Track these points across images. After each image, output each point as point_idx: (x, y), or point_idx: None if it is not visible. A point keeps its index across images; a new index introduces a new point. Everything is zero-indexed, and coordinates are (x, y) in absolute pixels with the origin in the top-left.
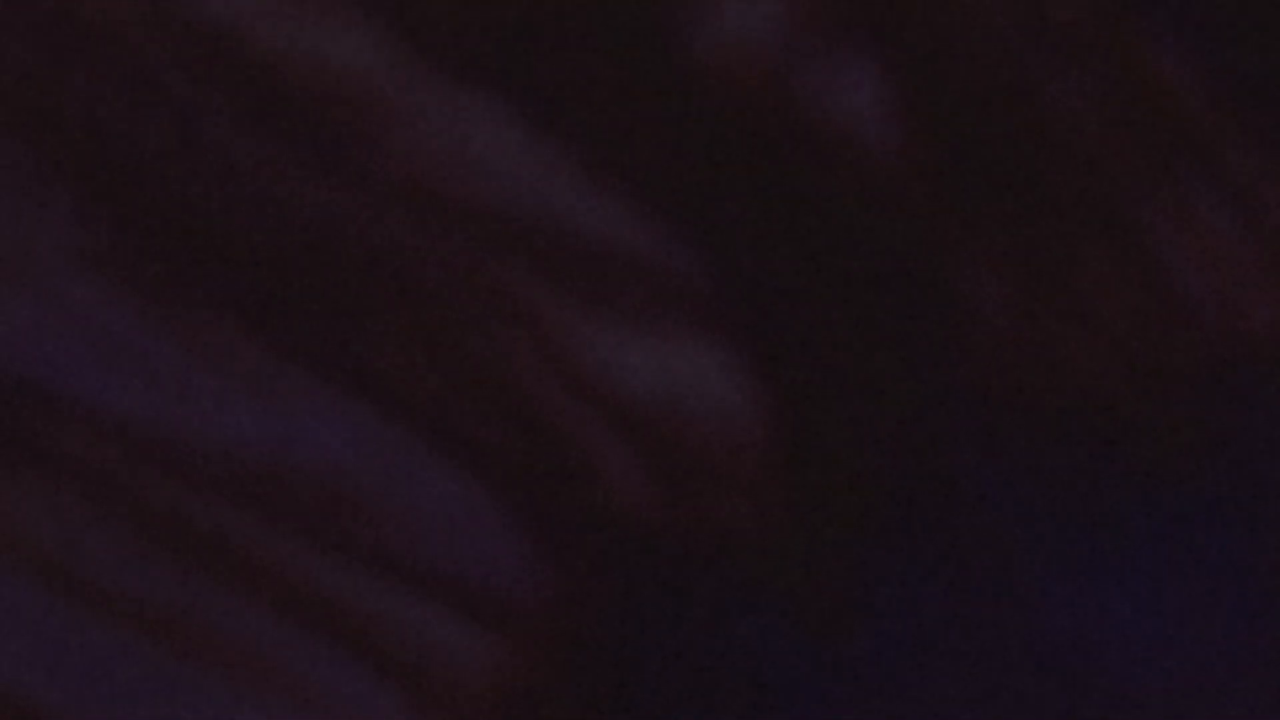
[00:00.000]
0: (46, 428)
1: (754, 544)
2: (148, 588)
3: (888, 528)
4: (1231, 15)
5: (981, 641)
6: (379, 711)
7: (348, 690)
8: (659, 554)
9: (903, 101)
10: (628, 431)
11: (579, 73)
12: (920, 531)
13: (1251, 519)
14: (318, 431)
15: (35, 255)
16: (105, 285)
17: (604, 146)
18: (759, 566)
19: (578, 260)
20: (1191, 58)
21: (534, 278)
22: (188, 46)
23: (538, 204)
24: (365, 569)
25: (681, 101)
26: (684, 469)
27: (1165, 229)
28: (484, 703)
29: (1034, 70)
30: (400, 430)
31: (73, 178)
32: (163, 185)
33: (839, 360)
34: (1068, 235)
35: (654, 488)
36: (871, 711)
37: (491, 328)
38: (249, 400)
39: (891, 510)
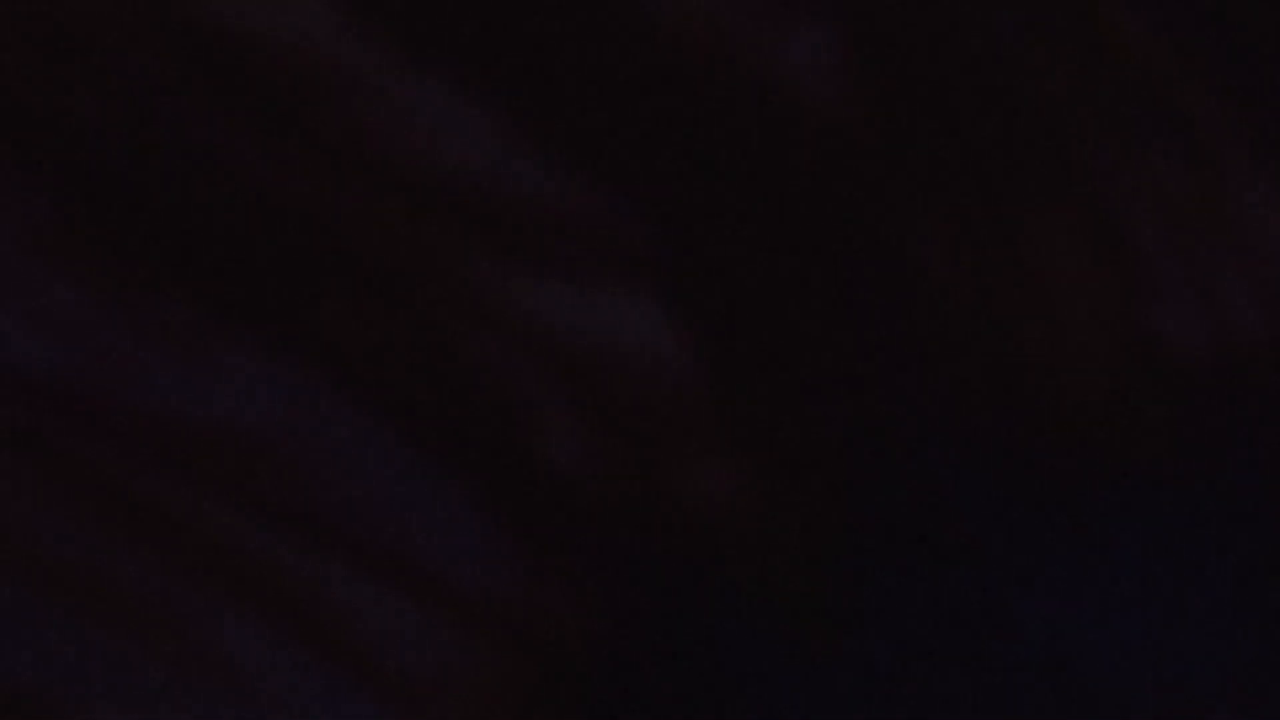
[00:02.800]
0: None
1: (695, 493)
2: (92, 563)
3: (841, 495)
4: None
5: (960, 645)
6: (320, 689)
7: (283, 665)
8: (603, 511)
9: (852, 61)
10: (564, 385)
11: (519, 30)
12: (874, 501)
13: (1235, 523)
14: (255, 395)
15: None
16: (42, 254)
17: (541, 103)
18: (709, 529)
19: (512, 216)
20: (1162, 18)
21: (469, 235)
22: (138, 17)
23: (473, 163)
24: (304, 538)
25: (624, 59)
26: (620, 422)
27: (1133, 205)
28: (431, 682)
29: (992, 30)
30: (339, 393)
31: (7, 148)
32: (101, 151)
33: (776, 315)
34: (1024, 201)
35: (591, 440)
36: (846, 711)
37: (426, 286)
38: (184, 365)
39: (845, 478)
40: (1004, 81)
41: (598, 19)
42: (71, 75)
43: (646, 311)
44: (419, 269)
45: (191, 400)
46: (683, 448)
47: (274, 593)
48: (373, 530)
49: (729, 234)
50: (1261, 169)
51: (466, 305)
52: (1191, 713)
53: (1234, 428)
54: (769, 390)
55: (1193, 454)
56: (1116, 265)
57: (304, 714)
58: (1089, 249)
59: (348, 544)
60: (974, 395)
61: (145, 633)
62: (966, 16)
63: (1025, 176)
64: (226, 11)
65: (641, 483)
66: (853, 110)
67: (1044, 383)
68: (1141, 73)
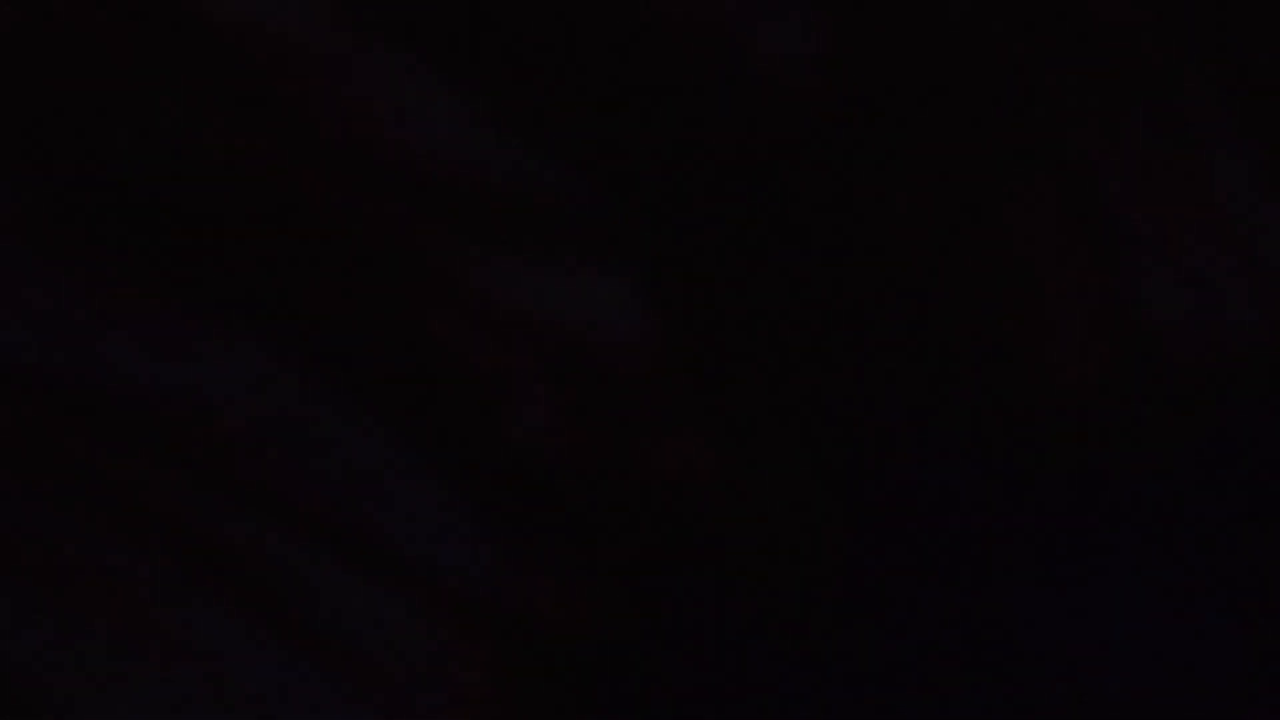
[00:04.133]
0: None
1: (667, 470)
2: (70, 551)
3: (814, 472)
4: None
5: (950, 641)
6: (301, 681)
7: (262, 656)
8: (578, 489)
9: (831, 40)
10: (536, 364)
11: (493, 12)
12: (851, 479)
13: (1232, 521)
14: (230, 378)
15: None
16: (11, 240)
17: (514, 85)
18: (683, 506)
19: (483, 197)
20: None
21: (440, 216)
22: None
23: (445, 144)
24: (280, 523)
25: (597, 40)
26: (592, 399)
27: (1119, 191)
28: (411, 669)
29: (974, 14)
30: (315, 377)
31: None
32: (71, 136)
33: (747, 292)
34: (1006, 184)
35: (564, 419)
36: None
37: (398, 267)
38: (157, 348)
39: (816, 455)
40: (987, 65)
41: (575, 2)
42: (44, 64)
43: (617, 289)
44: (392, 251)
45: (167, 383)
46: (655, 425)
47: (251, 582)
48: (349, 516)
49: (700, 212)
50: (1252, 158)
51: (439, 286)
52: (1191, 712)
53: (1229, 420)
54: (740, 367)
55: (1189, 447)
56: (1102, 249)
57: (286, 708)
58: (1073, 232)
59: (325, 530)
60: (956, 379)
61: (123, 622)
62: None
63: (1007, 159)
64: None
65: (615, 460)
66: (830, 90)
67: (1029, 367)
68: (1129, 56)
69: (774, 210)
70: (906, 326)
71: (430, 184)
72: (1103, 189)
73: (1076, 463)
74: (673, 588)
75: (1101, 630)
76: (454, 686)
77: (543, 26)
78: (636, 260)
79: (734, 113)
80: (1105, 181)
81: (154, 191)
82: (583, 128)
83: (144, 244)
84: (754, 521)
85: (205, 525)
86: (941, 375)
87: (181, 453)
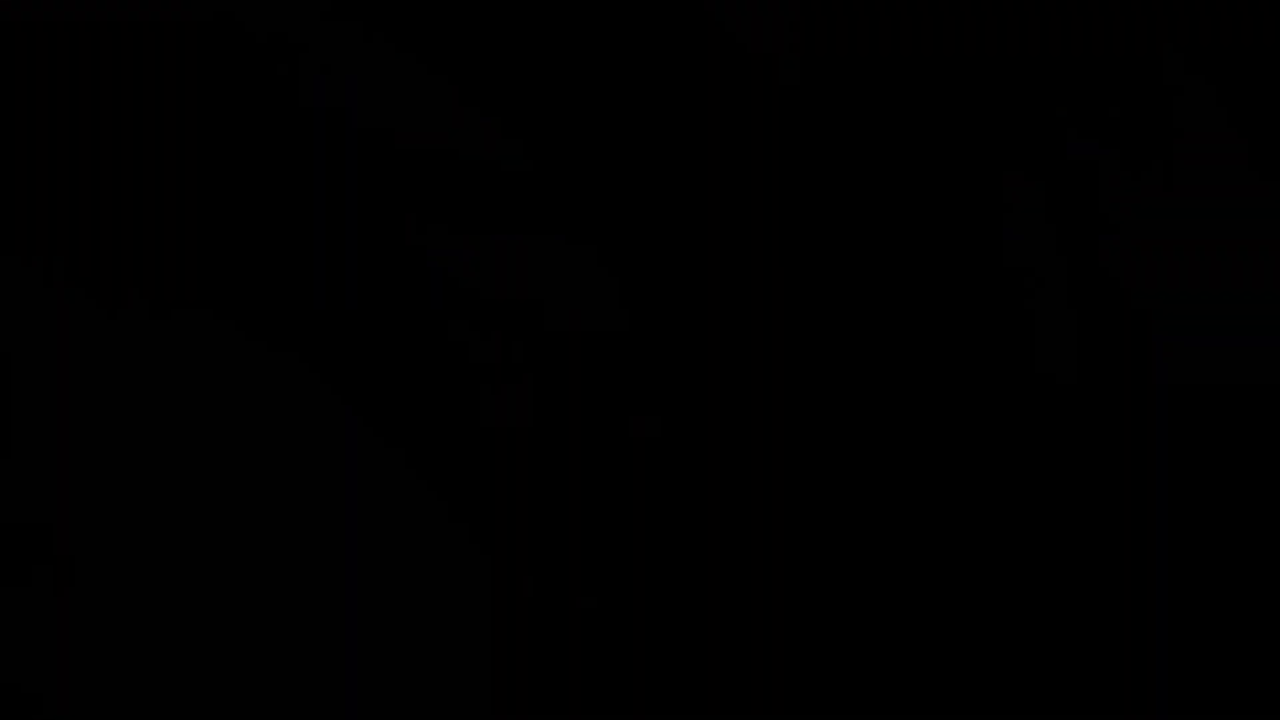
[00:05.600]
0: None
1: (635, 444)
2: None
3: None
4: None
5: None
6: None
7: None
8: (551, 463)
9: (816, 22)
10: (516, 347)
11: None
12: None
13: (1227, 509)
14: (201, 358)
15: None
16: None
17: (481, 61)
18: (657, 482)
19: (461, 182)
20: None
21: (420, 203)
22: None
23: (414, 121)
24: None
25: (569, 18)
26: (569, 380)
27: (1103, 168)
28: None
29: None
30: (283, 355)
31: None
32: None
33: (714, 264)
34: (991, 173)
35: (542, 400)
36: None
37: (380, 256)
38: (132, 329)
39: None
40: (973, 52)
41: None
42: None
43: (596, 274)
44: (374, 238)
45: (141, 365)
46: (632, 405)
47: (237, 575)
48: (339, 507)
49: (667, 184)
50: (1244, 148)
51: (420, 273)
52: (1201, 706)
53: (1220, 409)
54: (706, 340)
55: (1181, 434)
56: (1091, 238)
57: (278, 702)
58: (1062, 220)
59: (315, 522)
60: (940, 364)
61: (117, 619)
62: None
63: (997, 148)
64: None
65: (593, 440)
66: (805, 66)
67: (1017, 355)
68: (1120, 47)
69: (742, 177)
70: (891, 311)
71: (409, 169)
72: (1093, 177)
73: (1066, 452)
74: (650, 565)
75: (1096, 618)
76: (442, 675)
77: (515, 7)
78: (614, 244)
79: (703, 79)
80: (1096, 170)
81: (125, 176)
82: (557, 109)
83: (117, 226)
84: (729, 501)
85: (195, 519)
86: (925, 360)
87: (169, 445)
